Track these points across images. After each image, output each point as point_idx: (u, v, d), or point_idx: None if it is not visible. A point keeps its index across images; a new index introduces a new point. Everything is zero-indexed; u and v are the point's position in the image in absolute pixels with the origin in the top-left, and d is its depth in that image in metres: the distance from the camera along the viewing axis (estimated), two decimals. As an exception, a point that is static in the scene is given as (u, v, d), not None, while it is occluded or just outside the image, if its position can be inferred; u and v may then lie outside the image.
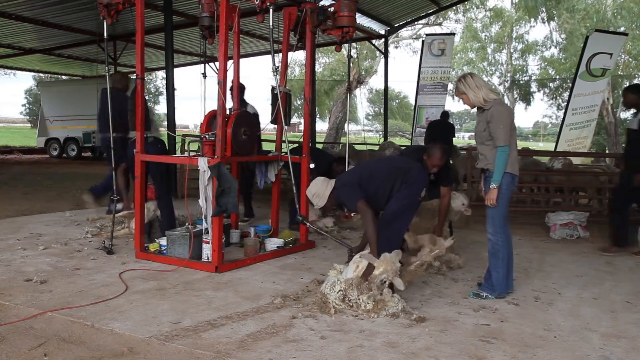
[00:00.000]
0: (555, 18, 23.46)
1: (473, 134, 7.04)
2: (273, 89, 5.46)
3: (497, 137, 3.97)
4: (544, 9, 22.25)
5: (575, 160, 11.08)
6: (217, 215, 4.66)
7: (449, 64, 13.83)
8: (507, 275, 4.15)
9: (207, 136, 4.81)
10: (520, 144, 34.23)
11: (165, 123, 9.26)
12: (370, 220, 4.13)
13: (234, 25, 4.94)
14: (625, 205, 5.93)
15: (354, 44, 16.92)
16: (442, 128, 11.02)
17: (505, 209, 4.12)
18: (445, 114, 11.83)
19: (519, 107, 31.02)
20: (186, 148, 10.81)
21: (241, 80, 5.38)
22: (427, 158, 4.82)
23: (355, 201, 4.22)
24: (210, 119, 4.97)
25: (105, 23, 5.09)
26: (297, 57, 19.40)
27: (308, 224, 5.32)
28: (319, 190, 4.45)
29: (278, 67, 5.06)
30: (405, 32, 23.68)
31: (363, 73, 25.87)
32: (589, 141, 12.55)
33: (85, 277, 4.43)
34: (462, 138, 64.20)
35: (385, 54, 16.29)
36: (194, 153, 8.14)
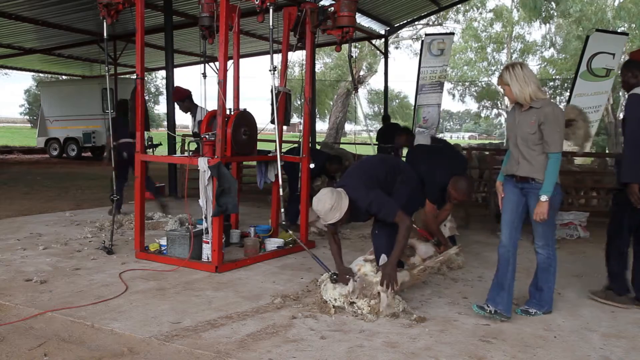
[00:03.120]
0: (550, 21, 23.51)
1: (470, 134, 7.00)
2: (273, 89, 5.45)
3: (552, 142, 3.52)
4: (542, 10, 22.26)
5: (576, 161, 11.04)
6: (217, 215, 4.66)
7: (447, 62, 13.81)
8: (553, 290, 3.91)
9: (207, 136, 4.81)
10: (520, 144, 34.19)
11: (165, 123, 9.26)
12: (409, 232, 3.80)
13: (234, 25, 4.94)
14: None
15: (354, 44, 16.92)
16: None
17: (555, 221, 3.89)
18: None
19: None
20: (186, 148, 10.81)
21: (241, 80, 5.38)
22: (453, 189, 4.64)
23: (394, 211, 3.80)
24: (210, 119, 4.97)
25: (105, 23, 5.09)
26: (297, 57, 19.38)
27: (290, 232, 4.90)
28: (336, 201, 3.76)
29: (276, 67, 5.05)
30: (405, 32, 23.68)
31: (362, 73, 25.87)
32: (589, 142, 12.54)
33: (85, 277, 4.43)
34: (462, 138, 64.36)
35: (385, 54, 16.29)
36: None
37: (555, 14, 22.77)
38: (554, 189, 3.57)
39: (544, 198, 3.53)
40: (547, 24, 24.29)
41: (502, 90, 3.79)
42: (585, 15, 21.38)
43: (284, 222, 4.91)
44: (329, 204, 3.74)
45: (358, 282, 3.74)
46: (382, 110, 22.16)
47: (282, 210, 5.02)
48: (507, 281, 3.76)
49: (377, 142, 9.90)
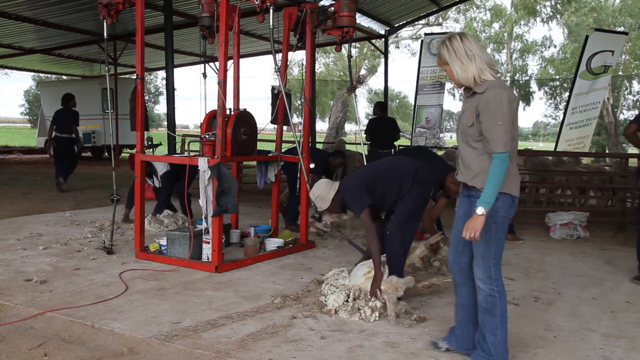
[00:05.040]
0: (558, 15, 23.49)
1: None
2: (273, 89, 5.46)
3: (492, 139, 2.66)
4: (545, 5, 22.29)
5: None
6: (217, 215, 4.66)
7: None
8: (505, 338, 2.89)
9: (207, 136, 4.81)
10: (521, 144, 34.22)
11: (165, 123, 9.26)
12: (374, 235, 3.84)
13: (234, 25, 4.94)
14: None
15: (354, 44, 16.91)
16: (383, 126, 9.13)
17: (503, 245, 2.85)
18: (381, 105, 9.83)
19: (519, 107, 31.05)
20: (186, 148, 10.80)
21: (241, 80, 5.39)
22: (452, 183, 4.62)
23: (361, 208, 3.90)
24: (210, 119, 4.97)
25: (105, 23, 5.09)
26: (297, 57, 19.39)
27: (324, 222, 5.05)
28: (323, 192, 4.18)
29: (279, 67, 5.06)
30: (405, 32, 23.68)
31: (362, 73, 25.88)
32: (589, 141, 12.52)
33: (85, 277, 4.43)
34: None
35: (385, 54, 16.28)
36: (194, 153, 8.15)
37: (560, 6, 22.76)
38: (505, 203, 2.76)
39: (479, 211, 2.64)
40: (553, 20, 24.27)
41: (444, 72, 3.00)
42: (595, 9, 21.41)
43: (316, 215, 5.03)
44: (314, 194, 4.18)
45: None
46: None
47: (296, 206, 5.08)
48: (458, 317, 3.09)
49: (367, 141, 9.15)
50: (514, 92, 28.75)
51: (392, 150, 9.15)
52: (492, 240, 2.78)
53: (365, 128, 9.76)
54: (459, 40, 2.76)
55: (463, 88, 2.87)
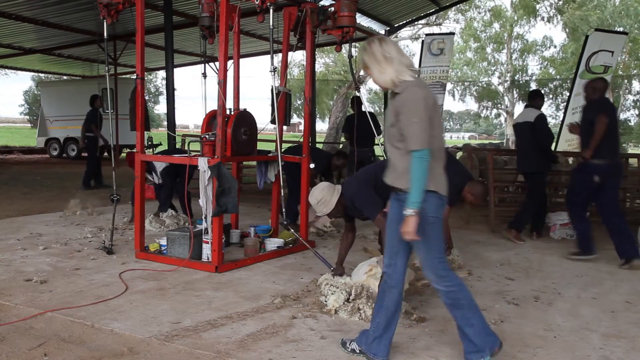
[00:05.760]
0: (559, 15, 23.50)
1: (470, 134, 6.99)
2: (273, 89, 5.46)
3: (409, 136, 2.66)
4: (545, 5, 22.34)
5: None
6: (217, 215, 4.66)
7: (447, 63, 13.80)
8: (483, 323, 2.92)
9: (207, 136, 4.81)
10: (520, 144, 34.18)
11: (165, 123, 9.27)
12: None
13: (234, 25, 4.94)
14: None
15: (354, 44, 16.87)
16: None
17: (441, 242, 2.86)
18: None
19: (519, 107, 31.04)
20: (186, 148, 10.81)
21: (241, 80, 5.39)
22: (470, 193, 4.56)
23: (375, 212, 3.81)
24: (210, 119, 4.97)
25: (105, 23, 5.09)
26: (297, 57, 19.43)
27: (292, 230, 5.08)
28: (325, 196, 4.04)
29: (276, 67, 5.06)
30: (405, 33, 23.67)
31: (362, 73, 25.86)
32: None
33: (85, 277, 4.43)
34: (462, 138, 64.36)
35: (385, 54, 16.27)
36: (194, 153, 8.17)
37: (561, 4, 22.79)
38: (434, 201, 2.76)
39: (407, 212, 2.65)
40: (554, 19, 24.28)
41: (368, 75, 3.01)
42: (598, 6, 21.45)
43: (284, 221, 5.01)
44: (316, 198, 4.04)
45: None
46: (382, 110, 22.13)
47: (283, 209, 5.11)
48: (375, 318, 3.00)
49: (346, 140, 8.75)
50: (514, 93, 28.39)
51: (373, 148, 8.71)
52: (429, 241, 2.79)
53: (343, 126, 9.24)
54: (377, 44, 2.82)
55: (390, 90, 2.89)
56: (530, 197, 6.60)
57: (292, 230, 5.06)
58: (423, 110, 2.67)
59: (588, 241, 5.60)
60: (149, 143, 5.51)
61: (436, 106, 2.78)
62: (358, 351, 3.00)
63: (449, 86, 14.95)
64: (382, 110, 17.38)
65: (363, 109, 8.14)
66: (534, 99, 6.64)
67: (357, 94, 10.91)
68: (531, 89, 27.73)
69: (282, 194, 5.21)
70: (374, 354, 2.94)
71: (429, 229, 2.76)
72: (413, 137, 2.65)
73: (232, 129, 4.75)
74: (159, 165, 6.47)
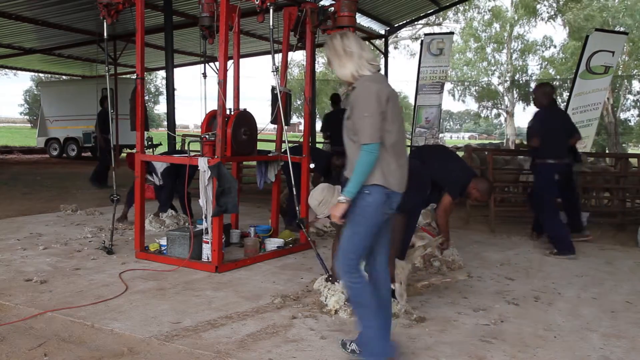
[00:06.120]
0: (560, 14, 23.50)
1: (470, 134, 7.02)
2: (273, 89, 5.46)
3: (358, 129, 2.69)
4: (545, 5, 22.34)
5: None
6: (217, 215, 4.66)
7: (447, 63, 13.79)
8: (384, 326, 2.86)
9: (207, 136, 4.81)
10: (520, 144, 34.20)
11: (165, 123, 9.27)
12: (402, 227, 3.73)
13: (234, 25, 4.94)
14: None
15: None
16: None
17: (367, 239, 2.79)
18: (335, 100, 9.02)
19: (519, 107, 31.08)
20: (186, 148, 10.81)
21: (241, 80, 5.39)
22: (476, 190, 4.57)
23: None
24: (210, 119, 4.97)
25: (105, 23, 5.09)
26: (297, 57, 19.40)
27: (305, 230, 5.11)
28: (326, 197, 3.97)
29: (278, 67, 5.06)
30: (404, 33, 23.70)
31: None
32: (590, 141, 12.49)
33: (85, 277, 4.43)
34: (462, 138, 64.33)
35: (385, 54, 16.29)
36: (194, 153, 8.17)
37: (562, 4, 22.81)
38: (377, 195, 2.72)
39: (341, 198, 2.71)
40: (555, 19, 24.29)
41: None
42: (600, 8, 21.48)
43: (299, 220, 5.02)
44: (317, 200, 3.92)
45: None
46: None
47: (297, 208, 5.13)
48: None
49: (325, 139, 8.57)
50: (514, 93, 28.18)
51: None
52: (354, 231, 2.77)
53: (321, 125, 9.04)
54: (338, 38, 2.86)
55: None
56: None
57: (303, 229, 5.10)
58: (374, 104, 2.68)
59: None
60: (149, 143, 5.51)
61: (393, 101, 2.78)
62: (358, 352, 2.98)
63: (449, 86, 15.01)
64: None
65: (342, 106, 8.08)
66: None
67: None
68: (535, 87, 27.82)
69: (294, 194, 5.18)
70: (380, 356, 2.89)
71: (360, 221, 2.74)
72: (362, 131, 2.67)
73: (232, 129, 4.75)
74: (160, 166, 6.46)
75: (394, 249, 3.77)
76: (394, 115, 2.78)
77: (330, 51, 2.87)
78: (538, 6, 24.58)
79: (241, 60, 5.48)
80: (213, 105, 4.88)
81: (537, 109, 6.10)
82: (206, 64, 5.48)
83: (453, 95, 32.13)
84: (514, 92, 29.60)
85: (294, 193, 5.22)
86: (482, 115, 39.26)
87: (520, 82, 29.05)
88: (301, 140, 5.92)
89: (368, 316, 2.82)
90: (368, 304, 2.81)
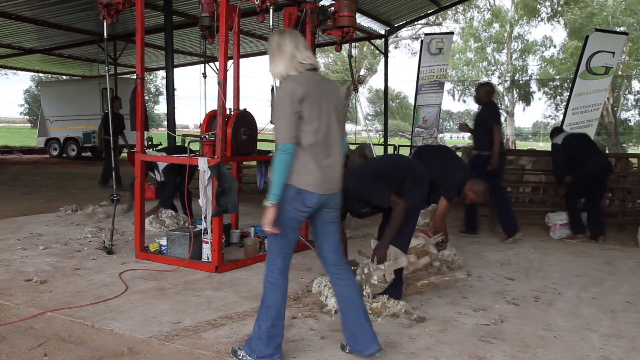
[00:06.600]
0: (560, 15, 23.51)
1: (469, 134, 7.01)
2: (273, 89, 5.46)
3: (275, 130, 2.74)
4: (546, 5, 22.34)
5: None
6: (217, 215, 4.66)
7: (445, 61, 13.80)
8: (271, 332, 2.83)
9: (207, 136, 4.81)
10: (520, 145, 34.22)
11: (165, 123, 9.26)
12: (402, 214, 3.67)
13: (234, 25, 4.94)
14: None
15: (354, 44, 16.86)
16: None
17: (284, 237, 2.81)
18: None
19: (519, 107, 31.06)
20: (186, 145, 10.79)
21: (241, 80, 5.39)
22: (472, 191, 4.58)
23: (387, 196, 3.69)
24: (210, 119, 4.97)
25: (105, 23, 5.09)
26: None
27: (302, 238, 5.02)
28: None
29: None
30: (404, 32, 23.69)
31: (362, 73, 25.90)
32: (590, 142, 12.50)
33: (85, 277, 4.43)
34: (462, 138, 64.29)
35: (385, 54, 16.28)
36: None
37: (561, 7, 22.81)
38: (290, 194, 2.73)
39: (265, 203, 2.69)
40: (554, 19, 24.28)
41: None
42: (600, 8, 21.48)
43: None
44: None
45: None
46: (381, 109, 22.09)
47: None
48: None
49: None
50: (514, 93, 28.18)
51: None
52: (276, 232, 2.76)
53: None
54: (277, 35, 2.85)
55: None
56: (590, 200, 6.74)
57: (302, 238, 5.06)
58: (287, 105, 2.68)
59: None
60: (149, 143, 5.52)
61: (312, 100, 2.72)
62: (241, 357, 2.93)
63: (449, 86, 15.01)
64: (383, 109, 17.33)
65: None
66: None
67: (355, 93, 10.96)
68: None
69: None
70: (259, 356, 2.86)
71: (279, 221, 2.74)
72: (277, 131, 2.71)
73: (232, 129, 4.75)
74: (161, 162, 6.47)
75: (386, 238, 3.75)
76: (313, 114, 2.73)
77: (268, 47, 2.86)
78: (538, 6, 24.57)
79: (241, 60, 5.49)
80: (213, 105, 4.89)
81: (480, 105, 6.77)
82: (206, 64, 5.48)
83: (453, 96, 32.14)
84: (514, 92, 29.60)
85: None
86: (482, 115, 39.14)
87: (520, 82, 29.05)
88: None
89: (266, 317, 2.82)
90: (272, 305, 2.82)
